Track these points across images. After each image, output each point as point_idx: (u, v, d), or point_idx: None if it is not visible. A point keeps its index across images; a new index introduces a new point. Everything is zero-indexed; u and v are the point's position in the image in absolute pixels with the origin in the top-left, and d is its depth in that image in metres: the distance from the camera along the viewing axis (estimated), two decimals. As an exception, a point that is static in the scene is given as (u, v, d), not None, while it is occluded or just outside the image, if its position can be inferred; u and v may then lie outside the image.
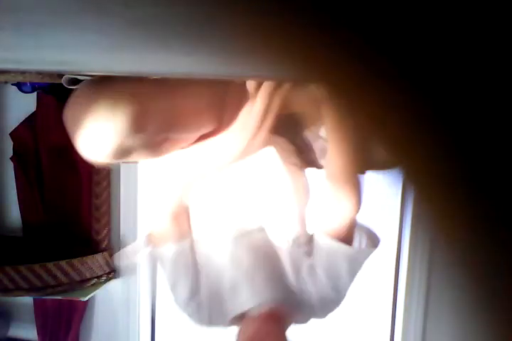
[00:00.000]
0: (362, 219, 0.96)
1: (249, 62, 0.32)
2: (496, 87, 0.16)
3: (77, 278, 1.80)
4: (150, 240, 0.92)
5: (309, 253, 0.90)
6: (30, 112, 1.93)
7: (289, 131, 0.92)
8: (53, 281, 1.75)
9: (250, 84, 0.75)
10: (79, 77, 1.26)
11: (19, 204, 2.02)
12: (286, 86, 0.74)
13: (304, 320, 0.92)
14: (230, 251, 0.93)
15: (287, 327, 0.86)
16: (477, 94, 0.16)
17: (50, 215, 1.96)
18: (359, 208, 0.87)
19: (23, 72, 1.21)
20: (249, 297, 0.88)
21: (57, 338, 2.03)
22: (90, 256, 1.85)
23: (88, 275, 1.83)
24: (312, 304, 0.89)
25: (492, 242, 0.19)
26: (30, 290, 1.74)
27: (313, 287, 0.89)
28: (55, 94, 1.85)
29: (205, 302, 0.92)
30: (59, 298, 1.82)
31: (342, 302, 0.91)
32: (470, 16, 0.15)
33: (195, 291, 0.91)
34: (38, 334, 2.04)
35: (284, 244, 0.93)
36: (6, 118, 2.01)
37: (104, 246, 1.96)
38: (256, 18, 0.18)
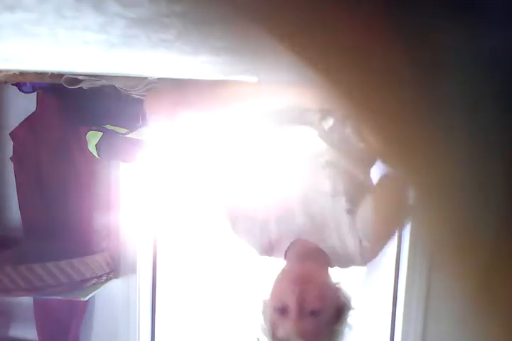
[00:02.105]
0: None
1: (250, 62, 0.32)
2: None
3: (77, 278, 1.80)
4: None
5: (351, 211, 1.02)
6: (30, 112, 1.93)
7: None
8: (53, 281, 1.75)
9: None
10: (79, 77, 1.26)
11: (19, 204, 2.02)
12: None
13: (344, 265, 1.05)
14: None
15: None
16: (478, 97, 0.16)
17: (50, 215, 1.96)
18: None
19: (22, 72, 1.21)
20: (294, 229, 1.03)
21: (57, 338, 2.03)
22: (90, 256, 1.85)
23: (88, 276, 1.83)
24: (348, 252, 1.03)
25: (492, 243, 0.18)
26: (30, 290, 1.73)
27: (350, 238, 1.02)
28: (55, 94, 1.85)
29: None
30: (59, 298, 1.82)
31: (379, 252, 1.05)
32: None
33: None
34: (38, 334, 2.04)
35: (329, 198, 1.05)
36: (6, 118, 2.01)
37: (104, 246, 1.96)
38: (258, 17, 0.18)
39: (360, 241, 1.02)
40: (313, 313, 0.93)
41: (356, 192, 1.04)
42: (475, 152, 0.17)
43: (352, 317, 0.98)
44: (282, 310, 0.94)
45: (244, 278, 2.02)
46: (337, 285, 1.02)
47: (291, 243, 1.05)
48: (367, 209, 1.02)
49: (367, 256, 1.04)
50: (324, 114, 1.00)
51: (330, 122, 1.01)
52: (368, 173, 1.07)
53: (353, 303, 1.00)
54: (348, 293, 1.01)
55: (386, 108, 0.19)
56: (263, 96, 0.95)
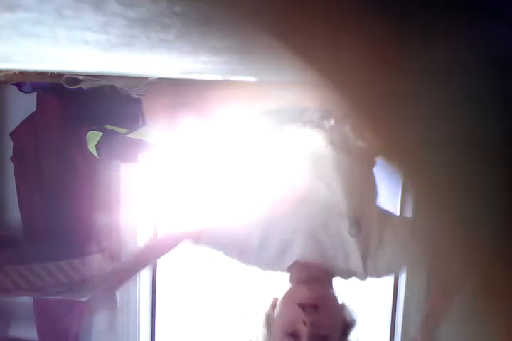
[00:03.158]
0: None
1: (250, 62, 0.32)
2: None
3: (77, 278, 1.79)
4: None
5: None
6: (30, 112, 1.93)
7: None
8: (53, 281, 1.75)
9: None
10: (79, 77, 1.26)
11: (19, 204, 2.01)
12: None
13: (346, 277, 1.08)
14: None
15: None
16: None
17: (50, 215, 1.96)
18: None
19: (22, 72, 1.21)
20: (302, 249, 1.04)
21: (57, 338, 2.03)
22: (90, 256, 1.85)
23: (88, 276, 1.83)
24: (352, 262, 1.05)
25: (491, 243, 0.18)
26: (30, 290, 1.73)
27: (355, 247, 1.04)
28: (55, 94, 1.85)
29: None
30: (59, 298, 1.82)
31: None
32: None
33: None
34: (38, 334, 2.04)
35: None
36: (6, 118, 2.01)
37: (104, 246, 1.96)
38: (258, 18, 0.18)
39: (363, 256, 1.02)
40: (324, 338, 0.96)
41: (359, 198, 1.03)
42: (475, 151, 0.17)
43: (356, 333, 1.01)
44: (293, 335, 0.95)
45: (245, 280, 2.02)
46: (341, 303, 1.03)
47: (292, 264, 1.05)
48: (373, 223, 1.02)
49: (370, 271, 1.04)
50: (325, 113, 1.00)
51: (331, 121, 1.00)
52: (371, 174, 1.06)
53: (357, 319, 1.03)
54: (350, 309, 1.03)
55: (386, 108, 0.19)
56: (263, 96, 0.95)
